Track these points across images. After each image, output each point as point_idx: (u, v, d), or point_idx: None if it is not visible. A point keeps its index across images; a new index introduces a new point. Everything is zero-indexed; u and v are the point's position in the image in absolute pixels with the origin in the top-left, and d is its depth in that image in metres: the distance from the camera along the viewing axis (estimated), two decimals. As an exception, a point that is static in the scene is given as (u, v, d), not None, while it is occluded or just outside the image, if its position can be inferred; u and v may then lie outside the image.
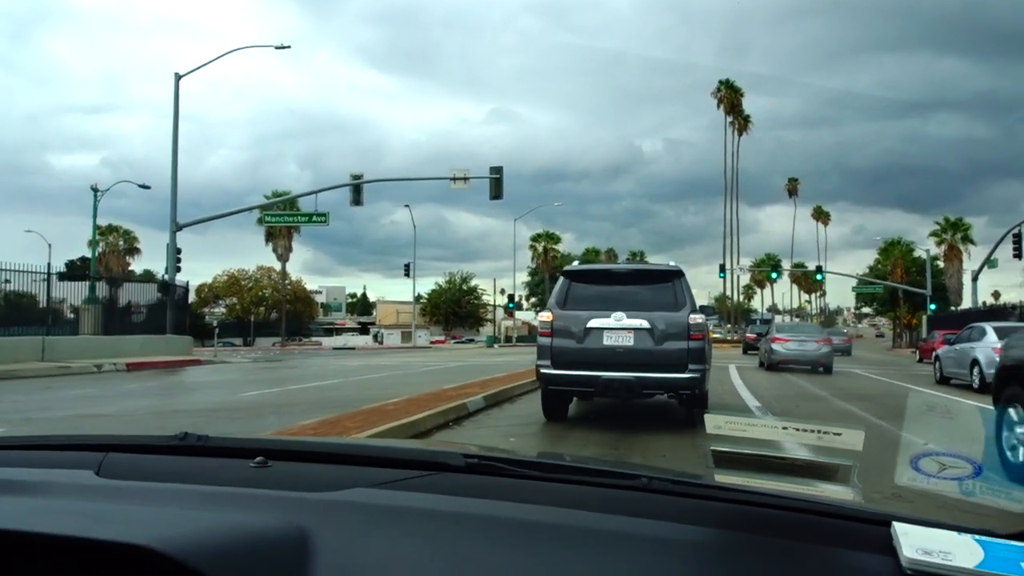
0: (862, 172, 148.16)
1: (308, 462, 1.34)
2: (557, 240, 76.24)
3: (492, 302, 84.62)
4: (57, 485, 1.21)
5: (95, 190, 33.91)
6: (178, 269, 28.49)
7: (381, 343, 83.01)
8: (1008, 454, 6.51)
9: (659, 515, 1.04)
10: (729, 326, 74.25)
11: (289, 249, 60.80)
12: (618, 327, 8.57)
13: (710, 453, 1.23)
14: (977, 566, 0.87)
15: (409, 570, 0.94)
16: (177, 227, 28.13)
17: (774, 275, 59.83)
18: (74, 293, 25.15)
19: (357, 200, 29.38)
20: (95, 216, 34.52)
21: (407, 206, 57.43)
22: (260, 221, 30.55)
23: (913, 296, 66.23)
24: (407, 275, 56.69)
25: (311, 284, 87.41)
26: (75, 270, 44.92)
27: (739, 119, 72.23)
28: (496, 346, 60.82)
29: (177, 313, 28.05)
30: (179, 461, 1.35)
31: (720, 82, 69.37)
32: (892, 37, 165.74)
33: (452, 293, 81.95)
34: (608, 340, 8.59)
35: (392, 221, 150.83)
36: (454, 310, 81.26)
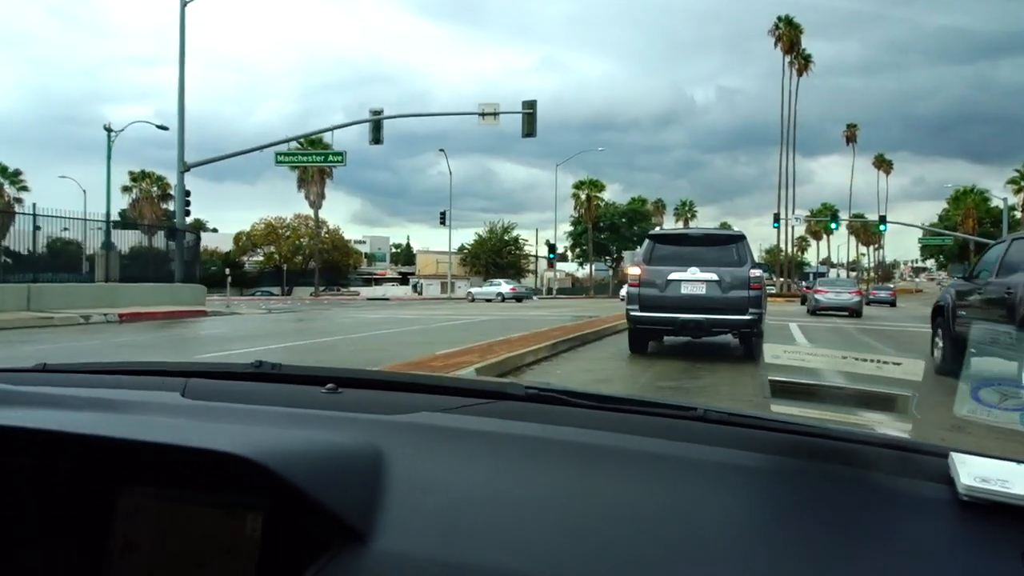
0: (925, 120, 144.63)
1: (377, 389, 1.41)
2: (601, 188, 72.57)
3: (534, 252, 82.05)
4: (148, 404, 1.28)
5: (108, 130, 32.08)
6: (187, 212, 26.70)
7: (420, 293, 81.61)
8: None
9: (715, 441, 1.08)
10: (781, 279, 70.84)
11: (321, 196, 58.81)
12: (693, 279, 10.74)
13: (767, 383, 1.19)
14: None
15: (473, 487, 0.99)
16: (185, 167, 26.20)
17: (833, 225, 55.61)
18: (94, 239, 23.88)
19: (377, 138, 26.97)
20: (109, 157, 32.76)
21: (442, 150, 54.68)
22: (277, 162, 28.12)
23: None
24: (443, 223, 54.24)
25: (357, 234, 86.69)
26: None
27: (799, 59, 67.38)
28: (536, 298, 58.43)
29: (187, 260, 26.23)
30: (256, 386, 1.42)
31: (778, 18, 64.53)
32: None
33: (493, 243, 79.48)
34: (685, 290, 10.76)
35: (439, 172, 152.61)
36: (495, 260, 78.89)
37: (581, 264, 78.85)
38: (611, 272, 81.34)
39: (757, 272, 10.91)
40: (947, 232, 56.73)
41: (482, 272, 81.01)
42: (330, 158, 30.07)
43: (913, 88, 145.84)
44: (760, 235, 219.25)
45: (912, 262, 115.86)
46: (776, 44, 64.96)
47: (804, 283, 56.58)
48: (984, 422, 1.09)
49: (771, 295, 34.14)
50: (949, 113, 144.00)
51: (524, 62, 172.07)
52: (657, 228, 19.35)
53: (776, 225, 58.71)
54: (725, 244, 11.25)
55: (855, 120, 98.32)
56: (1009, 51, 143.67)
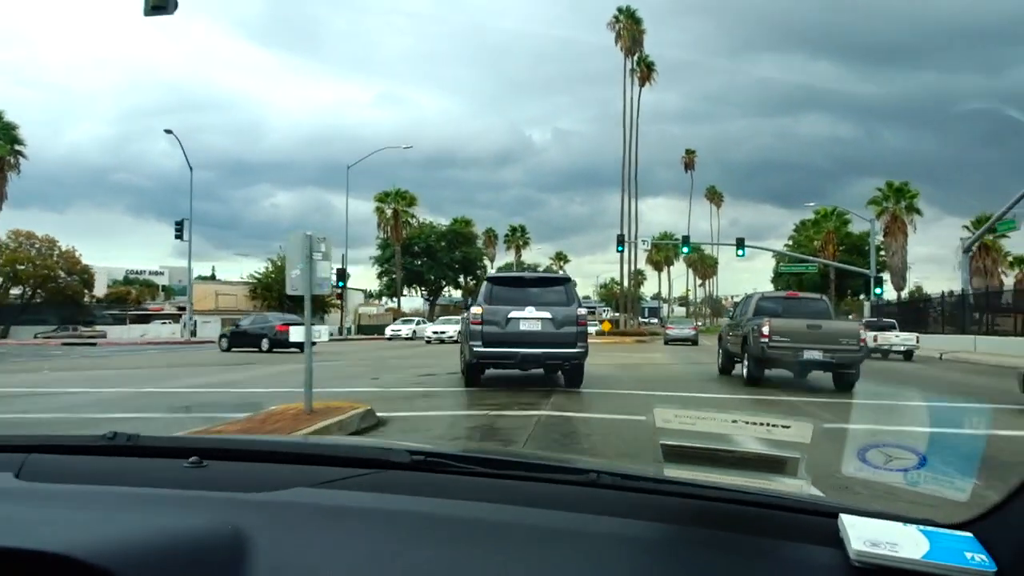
0: (738, 167, 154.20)
1: (246, 461, 1.29)
2: (411, 202, 58.73)
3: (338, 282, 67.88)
4: None
5: None
6: None
7: (194, 334, 65.37)
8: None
9: (608, 511, 1.05)
10: (619, 314, 61.52)
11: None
12: (530, 317, 12.05)
13: (659, 447, 1.21)
14: (923, 556, 0.90)
15: (350, 572, 0.92)
16: None
17: (685, 249, 46.45)
18: None
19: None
20: None
21: (168, 131, 39.91)
22: None
23: (845, 279, 54.89)
24: (179, 237, 39.61)
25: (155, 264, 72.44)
26: None
27: (642, 66, 58.80)
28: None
29: None
30: (108, 462, 1.28)
31: (618, 10, 55.47)
32: (769, 39, 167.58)
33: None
34: (524, 326, 12.04)
35: (273, 204, 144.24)
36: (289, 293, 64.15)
37: (390, 296, 65.09)
38: (428, 305, 68.87)
39: (583, 311, 12.59)
40: (812, 259, 48.97)
41: (275, 306, 65.93)
42: None
43: (727, 136, 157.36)
44: (591, 271, 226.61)
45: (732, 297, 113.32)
46: (616, 41, 55.84)
47: (641, 319, 58.59)
48: (870, 481, 1.16)
49: (617, 332, 47.62)
50: (757, 161, 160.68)
51: (362, 95, 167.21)
52: (491, 271, 17.70)
53: (620, 249, 48.80)
54: (555, 286, 12.87)
55: (677, 164, 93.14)
56: (806, 108, 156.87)
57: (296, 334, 10.15)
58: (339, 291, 53.08)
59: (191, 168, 40.74)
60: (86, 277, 60.12)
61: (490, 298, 12.21)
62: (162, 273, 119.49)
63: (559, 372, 12.97)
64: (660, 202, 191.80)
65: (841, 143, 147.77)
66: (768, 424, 1.17)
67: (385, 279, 61.96)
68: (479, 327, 11.88)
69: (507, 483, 1.15)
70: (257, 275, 67.57)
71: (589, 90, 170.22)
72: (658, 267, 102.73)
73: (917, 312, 40.85)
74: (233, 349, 30.07)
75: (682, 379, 15.86)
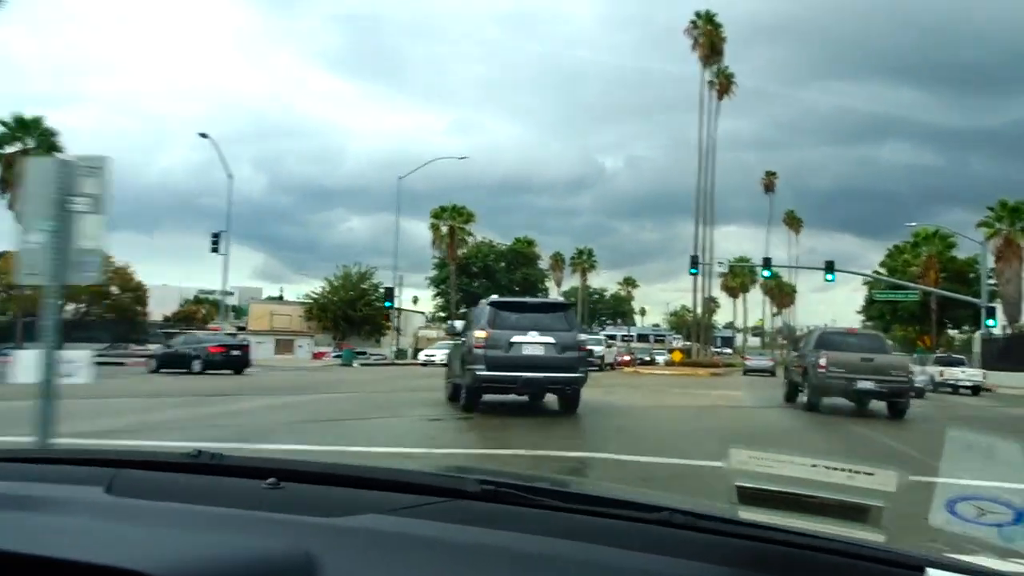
0: (815, 195, 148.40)
1: (322, 484, 1.31)
2: (468, 218, 55.15)
3: (398, 305, 65.07)
4: (66, 502, 1.19)
5: None
6: None
7: (247, 354, 63.79)
8: None
9: (681, 552, 1.03)
10: (691, 344, 56.82)
11: None
12: (533, 342, 11.97)
13: (735, 489, 1.20)
14: None
15: None
16: None
17: (766, 272, 41.96)
18: None
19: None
20: None
21: (203, 135, 37.71)
22: None
23: (948, 309, 49.03)
24: (215, 250, 37.28)
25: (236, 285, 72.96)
26: None
27: (721, 77, 54.60)
28: (356, 364, 41.75)
29: None
30: (192, 479, 1.33)
31: (696, 15, 51.56)
32: (847, 65, 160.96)
33: (346, 292, 62.22)
34: (527, 351, 11.96)
35: (349, 228, 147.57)
36: (346, 314, 61.57)
37: (443, 319, 61.54)
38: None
39: (583, 336, 13.11)
40: (911, 286, 43.51)
41: (330, 328, 63.77)
42: None
43: (805, 163, 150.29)
44: (661, 299, 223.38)
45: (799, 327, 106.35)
46: (694, 47, 51.90)
47: (715, 349, 58.73)
48: (960, 534, 1.11)
49: (689, 363, 44.58)
50: (836, 189, 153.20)
51: (437, 123, 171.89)
52: (493, 296, 14.27)
53: (694, 271, 44.65)
54: (557, 311, 12.79)
55: (753, 193, 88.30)
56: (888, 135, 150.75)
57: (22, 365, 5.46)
58: (387, 312, 49.96)
59: (230, 176, 38.66)
60: (139, 294, 58.94)
61: (494, 322, 12.12)
62: (232, 293, 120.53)
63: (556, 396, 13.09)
64: (733, 230, 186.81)
65: (925, 171, 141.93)
66: (850, 471, 1.15)
67: (441, 300, 58.68)
68: (482, 351, 11.79)
69: (578, 518, 1.13)
70: (314, 295, 65.61)
71: (662, 117, 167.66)
72: (733, 293, 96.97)
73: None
74: (162, 371, 27.94)
75: (788, 435, 11.72)
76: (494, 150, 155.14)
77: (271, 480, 1.22)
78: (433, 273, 60.35)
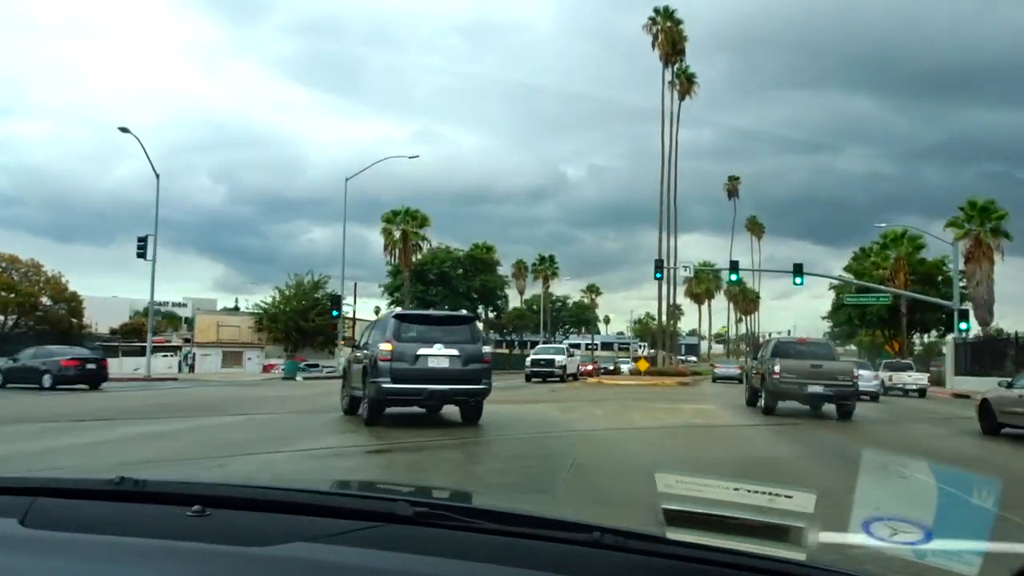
0: (774, 203, 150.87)
1: (248, 510, 1.28)
2: (423, 222, 52.26)
3: (352, 313, 62.07)
4: None
5: None
6: None
7: (192, 368, 60.27)
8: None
9: (611, 573, 1.06)
10: (656, 351, 54.94)
11: None
12: (439, 354, 11.97)
13: (662, 511, 1.22)
14: None
15: None
16: None
17: (733, 276, 40.31)
18: None
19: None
20: None
21: (124, 129, 34.70)
22: None
23: (918, 312, 47.87)
24: (141, 255, 34.40)
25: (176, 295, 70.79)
26: None
27: (682, 77, 53.03)
28: (300, 377, 39.11)
29: None
30: (114, 508, 1.28)
31: (655, 11, 49.90)
32: (804, 74, 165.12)
33: (298, 302, 59.22)
34: (432, 363, 11.95)
35: (309, 239, 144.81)
36: (298, 324, 58.62)
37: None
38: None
39: (487, 348, 12.78)
40: (883, 289, 42.06)
41: (282, 339, 60.70)
42: None
43: (763, 172, 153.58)
44: (625, 307, 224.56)
45: (766, 333, 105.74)
46: (653, 45, 50.19)
47: (680, 357, 57.71)
48: (876, 551, 1.17)
49: (655, 371, 42.55)
50: (794, 197, 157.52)
51: (399, 132, 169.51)
52: (396, 309, 18.41)
53: (659, 275, 42.63)
54: (461, 324, 12.81)
55: (714, 201, 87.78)
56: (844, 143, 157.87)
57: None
58: (333, 321, 47.27)
59: (157, 175, 35.79)
60: (74, 305, 55.29)
61: (399, 335, 12.08)
62: (185, 305, 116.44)
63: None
64: (695, 238, 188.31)
65: (880, 179, 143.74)
66: (771, 493, 1.19)
67: (393, 308, 56.15)
68: (387, 363, 11.74)
69: (509, 540, 1.13)
70: (264, 305, 62.53)
71: (623, 127, 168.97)
72: (698, 300, 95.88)
73: (995, 351, 34.80)
74: (8, 386, 25.36)
75: (799, 465, 9.29)
76: (455, 160, 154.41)
77: (196, 507, 1.19)
78: (388, 281, 57.49)
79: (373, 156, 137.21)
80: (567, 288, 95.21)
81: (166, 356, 64.81)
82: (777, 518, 1.16)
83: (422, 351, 11.87)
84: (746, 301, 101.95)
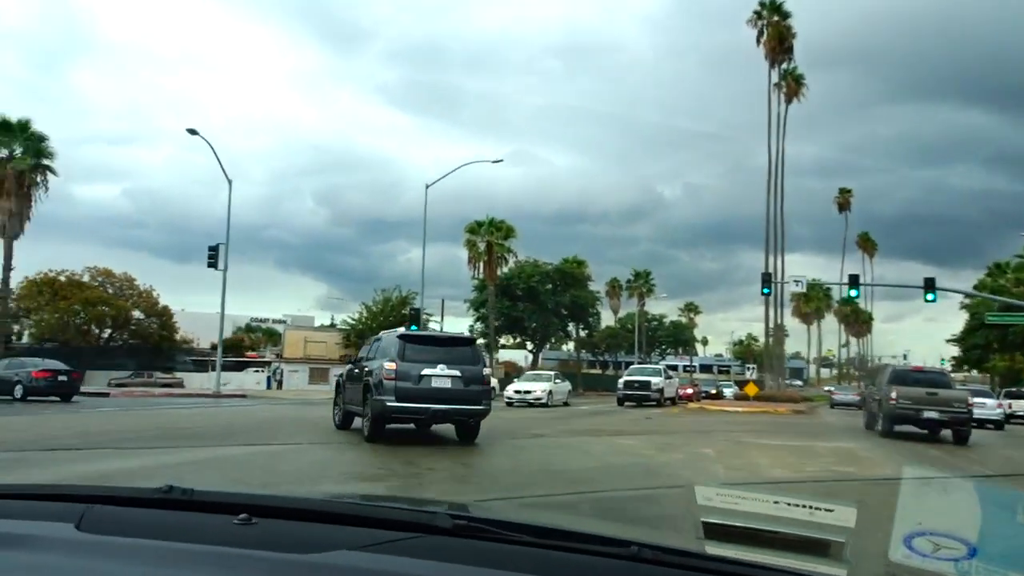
0: (882, 221, 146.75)
1: (293, 519, 1.32)
2: (509, 233, 49.12)
3: (439, 330, 60.10)
4: (36, 539, 1.19)
5: None
6: None
7: (280, 385, 59.63)
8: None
9: None
10: (760, 375, 50.30)
11: (23, 217, 35.31)
12: (442, 375, 12.27)
13: (701, 524, 1.21)
14: None
15: None
16: None
17: (854, 292, 36.05)
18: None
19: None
20: None
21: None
22: None
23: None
24: (213, 265, 33.08)
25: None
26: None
27: (789, 78, 48.77)
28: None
29: None
30: (164, 515, 1.33)
31: (760, 4, 45.98)
32: (914, 88, 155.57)
33: (385, 318, 57.76)
34: (435, 383, 12.25)
35: (408, 259, 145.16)
36: (384, 340, 57.11)
37: (492, 345, 55.61)
38: (532, 357, 59.68)
39: (487, 370, 13.25)
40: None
41: (369, 356, 59.56)
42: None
43: (869, 189, 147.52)
44: (724, 328, 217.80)
45: (868, 357, 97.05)
46: (758, 41, 46.29)
47: (786, 381, 54.76)
48: (918, 568, 1.12)
49: (764, 397, 39.72)
50: (902, 215, 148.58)
51: (495, 154, 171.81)
52: (399, 329, 14.95)
53: (767, 291, 38.57)
54: (463, 346, 13.31)
55: (818, 219, 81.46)
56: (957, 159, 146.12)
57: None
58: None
59: (230, 181, 34.59)
60: (165, 319, 55.51)
61: (403, 355, 12.35)
62: (285, 321, 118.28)
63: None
64: (795, 258, 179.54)
65: (997, 196, 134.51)
66: (811, 507, 1.17)
67: (482, 326, 53.42)
68: (392, 382, 12.07)
69: (547, 553, 1.13)
70: (351, 320, 61.50)
71: (720, 145, 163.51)
72: (807, 320, 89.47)
73: None
74: None
75: None
76: (552, 180, 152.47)
77: (243, 516, 1.22)
78: (473, 295, 55.12)
79: (471, 178, 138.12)
80: (663, 307, 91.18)
81: (257, 371, 64.74)
82: (817, 532, 1.13)
83: (426, 371, 12.21)
84: (858, 323, 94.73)
